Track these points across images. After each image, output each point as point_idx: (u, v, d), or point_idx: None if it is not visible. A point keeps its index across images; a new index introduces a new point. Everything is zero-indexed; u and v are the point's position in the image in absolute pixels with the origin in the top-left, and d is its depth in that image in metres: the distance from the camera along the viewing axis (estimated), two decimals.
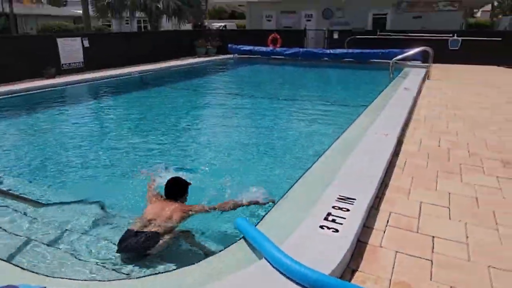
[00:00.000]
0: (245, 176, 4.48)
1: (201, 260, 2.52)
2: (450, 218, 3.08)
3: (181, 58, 16.82)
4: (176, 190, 3.31)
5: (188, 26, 25.63)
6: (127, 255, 2.82)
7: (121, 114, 8.51)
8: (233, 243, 2.65)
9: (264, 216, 2.96)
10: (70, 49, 12.25)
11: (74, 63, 12.37)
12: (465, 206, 3.27)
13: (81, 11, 22.60)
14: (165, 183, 3.34)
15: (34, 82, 10.20)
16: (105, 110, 8.92)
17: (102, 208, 3.62)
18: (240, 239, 2.68)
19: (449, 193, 3.52)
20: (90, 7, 20.23)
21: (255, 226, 2.73)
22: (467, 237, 2.80)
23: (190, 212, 3.19)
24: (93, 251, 3.00)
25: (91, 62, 12.74)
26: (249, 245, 2.59)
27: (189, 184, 3.44)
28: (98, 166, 5.01)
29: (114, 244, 2.96)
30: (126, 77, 12.24)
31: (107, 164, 5.10)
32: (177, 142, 6.24)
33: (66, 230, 3.30)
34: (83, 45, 12.64)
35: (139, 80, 12.42)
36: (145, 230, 2.89)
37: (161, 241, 2.86)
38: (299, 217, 2.86)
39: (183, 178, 3.48)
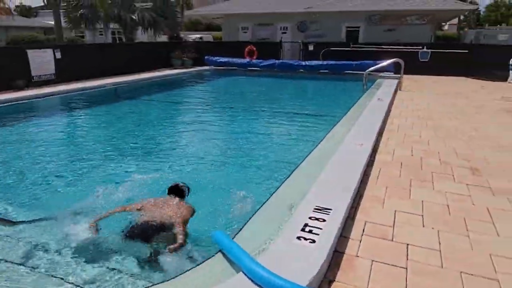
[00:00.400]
0: (220, 188, 4.45)
1: (178, 275, 2.47)
2: (423, 226, 3.15)
3: (157, 69, 16.70)
4: (178, 193, 3.74)
5: (164, 38, 25.54)
6: (133, 241, 3.09)
7: (95, 127, 8.34)
8: (210, 257, 2.62)
9: (241, 229, 2.94)
10: (41, 60, 11.93)
11: (45, 75, 12.05)
12: (437, 214, 3.36)
13: (52, 22, 22.13)
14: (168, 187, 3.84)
15: (2, 95, 9.87)
16: (77, 123, 8.71)
17: (73, 223, 3.50)
18: (218, 252, 2.65)
19: (422, 201, 3.60)
20: (62, 18, 19.88)
21: (232, 239, 2.71)
22: (439, 244, 2.87)
23: (183, 212, 3.43)
24: (62, 269, 2.89)
25: (63, 74, 12.45)
26: (227, 258, 2.56)
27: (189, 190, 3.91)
28: (68, 180, 4.87)
29: (85, 262, 2.88)
30: (100, 89, 12.03)
31: (78, 178, 4.96)
32: (152, 154, 6.15)
33: (35, 247, 3.18)
34: (55, 57, 12.34)
35: (113, 92, 12.23)
36: (150, 223, 3.22)
37: (161, 234, 3.19)
38: (276, 229, 2.86)
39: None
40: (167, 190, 3.79)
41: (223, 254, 2.60)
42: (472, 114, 7.86)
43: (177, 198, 3.63)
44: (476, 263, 2.64)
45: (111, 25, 20.99)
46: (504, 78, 10.65)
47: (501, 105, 8.89)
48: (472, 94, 10.74)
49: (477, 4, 39.08)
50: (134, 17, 19.68)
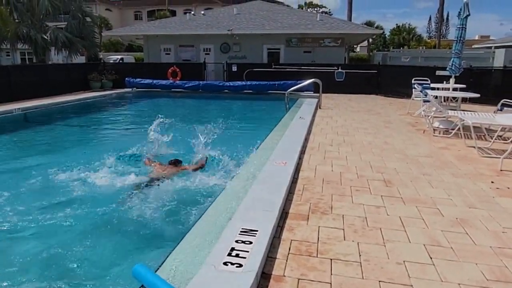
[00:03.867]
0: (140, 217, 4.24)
1: None
2: (345, 239, 3.29)
3: (73, 92, 15.73)
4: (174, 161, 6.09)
5: (82, 59, 24.26)
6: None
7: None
8: None
9: (165, 260, 2.81)
10: None
11: None
12: (357, 226, 3.54)
13: None
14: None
15: None
16: None
17: None
18: None
19: (343, 215, 3.78)
20: None
21: (155, 272, 2.57)
22: (360, 255, 3.02)
23: (181, 169, 5.81)
24: None
25: None
26: None
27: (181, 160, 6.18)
28: None
29: None
30: (6, 115, 10.95)
31: None
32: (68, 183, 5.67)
33: None
34: None
35: (22, 118, 11.20)
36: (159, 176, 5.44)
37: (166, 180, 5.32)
38: (202, 256, 2.78)
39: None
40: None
41: None
42: (382, 129, 8.54)
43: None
44: (392, 270, 2.81)
45: (20, 45, 19.48)
46: (409, 95, 11.81)
47: (407, 120, 9.80)
48: (382, 110, 11.71)
49: (383, 29, 43.21)
50: (46, 37, 18.46)
